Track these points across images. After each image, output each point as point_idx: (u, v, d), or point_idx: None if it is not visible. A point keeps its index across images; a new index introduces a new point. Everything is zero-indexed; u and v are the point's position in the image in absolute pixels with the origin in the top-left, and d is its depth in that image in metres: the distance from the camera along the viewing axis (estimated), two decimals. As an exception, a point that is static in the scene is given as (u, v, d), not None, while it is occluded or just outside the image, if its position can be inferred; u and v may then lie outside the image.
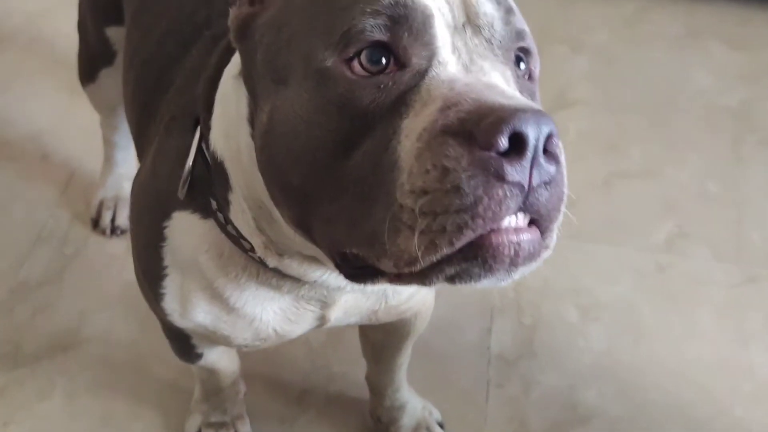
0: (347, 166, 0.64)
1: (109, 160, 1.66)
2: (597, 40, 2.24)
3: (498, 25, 0.69)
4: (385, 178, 0.62)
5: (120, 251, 1.63)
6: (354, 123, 0.64)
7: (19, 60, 2.04)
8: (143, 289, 1.01)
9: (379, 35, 0.65)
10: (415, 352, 1.32)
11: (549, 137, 0.60)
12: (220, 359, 1.20)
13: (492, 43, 0.69)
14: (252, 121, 0.75)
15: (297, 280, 0.87)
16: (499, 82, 0.66)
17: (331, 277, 0.85)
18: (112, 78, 1.42)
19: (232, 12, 0.77)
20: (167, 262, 0.92)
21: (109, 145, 1.64)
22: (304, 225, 0.71)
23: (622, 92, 2.09)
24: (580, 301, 1.63)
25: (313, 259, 0.82)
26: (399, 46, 0.65)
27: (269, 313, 0.93)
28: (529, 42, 0.74)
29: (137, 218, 0.98)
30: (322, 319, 0.96)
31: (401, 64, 0.65)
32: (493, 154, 0.58)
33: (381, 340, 1.26)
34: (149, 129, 1.03)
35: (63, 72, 1.95)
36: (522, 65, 0.73)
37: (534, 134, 0.58)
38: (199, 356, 1.14)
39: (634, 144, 1.96)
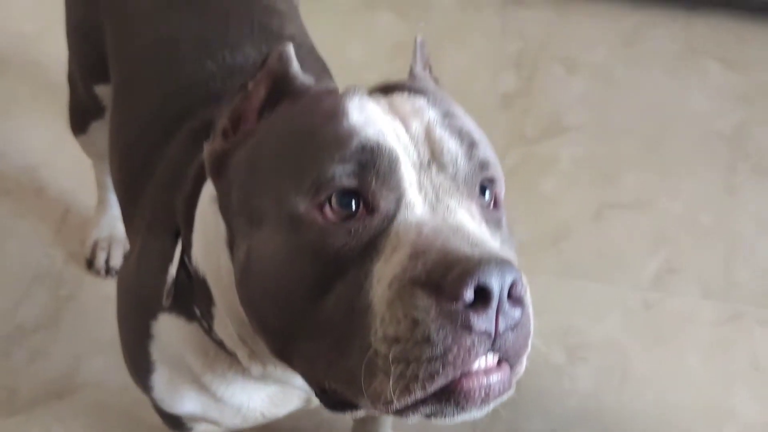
0: (322, 308, 0.67)
1: (102, 202, 1.68)
2: (594, 58, 2.24)
3: (461, 161, 0.71)
4: (359, 321, 0.65)
5: (114, 293, 1.65)
6: (327, 267, 0.67)
7: (13, 86, 2.05)
8: (132, 377, 1.04)
9: (348, 182, 0.67)
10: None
11: (513, 284, 0.62)
12: (210, 429, 1.23)
13: (456, 180, 0.71)
14: (230, 245, 0.77)
15: (281, 381, 0.89)
16: (465, 221, 0.68)
17: None
18: (102, 130, 1.44)
19: (207, 148, 0.78)
20: (155, 357, 0.95)
21: (102, 187, 1.66)
22: (284, 357, 0.74)
23: (617, 116, 2.09)
24: (567, 341, 1.65)
25: None
26: (368, 192, 0.68)
27: (256, 401, 0.96)
28: (493, 171, 0.75)
29: (124, 315, 1.01)
30: (308, 401, 0.99)
31: (370, 208, 0.68)
32: (459, 306, 0.61)
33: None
34: (133, 214, 1.06)
35: (57, 100, 1.95)
36: (487, 193, 0.74)
37: (498, 285, 0.61)
38: (190, 429, 1.17)
39: (628, 172, 1.97)
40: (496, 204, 0.76)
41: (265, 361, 0.85)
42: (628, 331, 1.67)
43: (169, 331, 0.92)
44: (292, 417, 1.50)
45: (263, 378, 0.90)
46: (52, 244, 1.72)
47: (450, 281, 0.61)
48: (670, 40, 2.28)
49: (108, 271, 1.67)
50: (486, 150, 0.75)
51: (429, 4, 2.36)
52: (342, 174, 0.67)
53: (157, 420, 1.47)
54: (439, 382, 0.62)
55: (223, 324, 0.85)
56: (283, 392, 0.96)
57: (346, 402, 0.71)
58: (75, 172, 1.82)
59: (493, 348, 0.63)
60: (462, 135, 0.73)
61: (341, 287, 0.66)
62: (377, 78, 2.22)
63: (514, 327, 0.64)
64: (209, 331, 0.87)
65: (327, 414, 1.50)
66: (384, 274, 0.64)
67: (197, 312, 0.87)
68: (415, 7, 2.34)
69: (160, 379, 0.96)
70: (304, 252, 0.67)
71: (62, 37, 2.13)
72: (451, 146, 0.71)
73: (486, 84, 2.15)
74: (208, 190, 0.83)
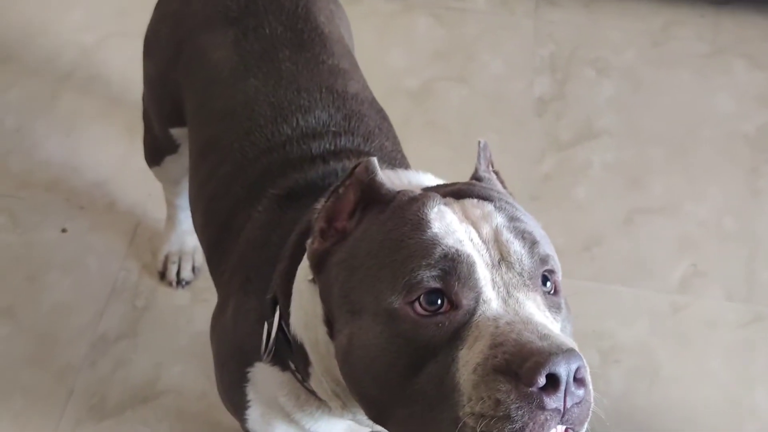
0: (415, 383, 0.81)
1: (171, 219, 1.83)
2: (624, 61, 2.33)
3: (526, 260, 0.85)
4: (447, 397, 0.79)
5: (186, 302, 1.81)
6: (419, 352, 0.81)
7: (77, 100, 2.18)
8: (228, 410, 1.19)
9: (434, 284, 0.81)
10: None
11: (577, 369, 0.76)
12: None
13: (523, 275, 0.85)
14: (328, 322, 0.91)
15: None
16: (532, 311, 0.82)
17: None
18: (176, 162, 1.58)
19: (309, 248, 0.92)
20: (250, 397, 1.10)
21: (171, 206, 1.80)
22: (379, 421, 0.88)
23: (645, 120, 2.20)
24: (601, 345, 1.80)
25: None
26: (451, 292, 0.82)
27: (338, 430, 1.12)
28: (552, 263, 0.89)
29: (222, 363, 1.15)
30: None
31: (454, 305, 0.82)
32: (534, 389, 0.74)
33: None
34: (221, 266, 1.20)
35: (121, 114, 2.10)
36: (548, 284, 0.89)
37: (565, 371, 0.74)
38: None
39: (656, 177, 2.09)
40: (555, 291, 0.90)
41: (355, 412, 1.00)
42: (657, 334, 1.81)
43: (265, 377, 1.07)
44: None
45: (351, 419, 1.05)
46: (127, 257, 1.88)
47: (526, 370, 0.74)
48: (697, 39, 2.38)
49: (179, 282, 1.83)
50: (545, 247, 0.89)
51: (463, 7, 2.45)
52: (429, 278, 0.81)
53: (233, 423, 1.65)
54: None
55: (318, 381, 0.99)
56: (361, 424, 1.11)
57: None
58: (143, 185, 1.95)
59: (562, 421, 0.76)
60: (525, 236, 0.87)
61: (432, 367, 0.80)
62: (418, 83, 2.37)
63: (579, 403, 0.77)
64: (303, 382, 1.02)
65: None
66: (469, 360, 0.78)
67: (292, 366, 1.02)
68: (451, 10, 2.43)
69: (254, 414, 1.12)
70: (400, 339, 0.82)
71: (122, 48, 2.27)
72: (517, 247, 0.85)
73: (521, 89, 2.25)
74: (304, 269, 0.97)
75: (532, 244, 0.87)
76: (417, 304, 0.81)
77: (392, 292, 0.82)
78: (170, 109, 1.44)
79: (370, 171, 0.90)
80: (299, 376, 1.02)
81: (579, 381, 0.76)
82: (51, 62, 2.26)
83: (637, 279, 1.91)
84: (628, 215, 2.02)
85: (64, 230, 1.92)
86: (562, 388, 0.74)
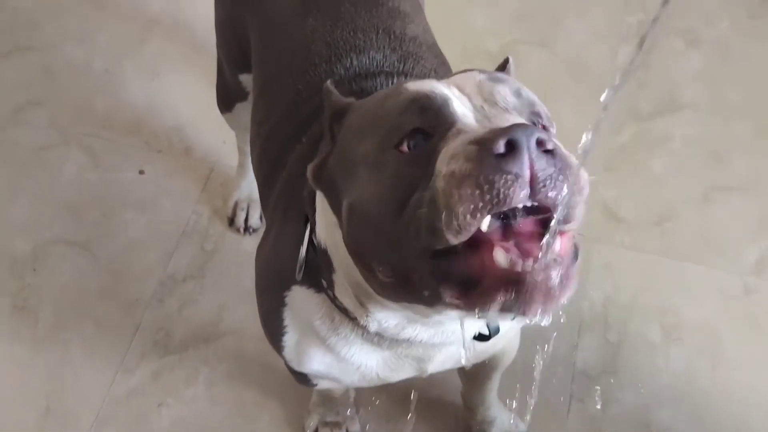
0: (406, 211, 0.81)
1: (242, 166, 1.87)
2: (715, 33, 2.25)
3: (510, 99, 0.86)
4: (430, 193, 0.79)
5: (252, 248, 1.81)
6: (405, 184, 0.82)
7: (163, 46, 2.23)
8: (267, 338, 1.22)
9: (414, 123, 0.83)
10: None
11: (539, 140, 0.75)
12: (331, 385, 1.42)
13: (507, 110, 0.85)
14: (340, 226, 0.93)
15: (395, 340, 1.06)
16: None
17: (421, 333, 1.03)
18: (246, 109, 1.61)
19: (310, 168, 0.96)
20: (287, 322, 1.14)
21: (242, 153, 1.84)
22: (393, 272, 0.86)
23: (733, 94, 2.12)
24: (665, 321, 1.76)
25: (406, 322, 1.00)
26: (428, 126, 0.83)
27: (373, 362, 1.13)
28: (540, 108, 0.89)
29: (262, 288, 1.20)
30: (420, 370, 1.16)
31: (433, 135, 0.83)
32: (495, 155, 0.75)
33: (472, 369, 1.46)
34: (269, 196, 1.24)
35: (202, 61, 2.14)
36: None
37: (525, 137, 0.74)
38: (315, 384, 1.37)
39: (739, 154, 2.01)
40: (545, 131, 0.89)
41: (380, 318, 1.01)
42: (725, 316, 1.76)
43: (301, 299, 1.10)
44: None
45: (380, 340, 1.05)
46: (199, 201, 1.93)
47: (488, 139, 0.75)
48: (797, 14, 2.26)
49: (246, 229, 1.87)
50: (532, 95, 0.89)
51: (553, -30, 2.39)
52: (406, 120, 0.83)
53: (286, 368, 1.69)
54: (489, 209, 0.74)
55: (343, 288, 1.01)
56: (396, 358, 1.12)
57: (444, 272, 0.81)
58: (218, 131, 1.99)
59: (533, 194, 0.75)
60: (510, 84, 0.87)
61: (417, 193, 0.81)
62: (498, 45, 2.34)
63: (553, 175, 0.75)
64: (334, 299, 1.04)
65: (438, 373, 1.68)
66: (445, 155, 0.79)
67: (324, 284, 1.04)
68: (538, -27, 2.38)
69: (290, 340, 1.14)
70: (390, 179, 0.83)
71: (207, -3, 2.29)
72: (500, 89, 0.86)
73: (604, 56, 2.20)
74: None
75: (518, 89, 0.87)
76: (403, 146, 0.83)
77: (378, 145, 0.85)
78: (237, 54, 1.47)
79: (326, 91, 0.97)
80: (330, 294, 1.04)
81: (548, 153, 0.75)
82: (140, 7, 2.32)
83: (710, 257, 1.85)
84: (706, 192, 1.96)
85: (141, 172, 1.98)
86: (523, 151, 0.74)
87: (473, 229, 0.75)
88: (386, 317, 1.00)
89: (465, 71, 0.93)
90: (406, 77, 1.19)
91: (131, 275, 1.82)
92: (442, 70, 1.28)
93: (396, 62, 1.21)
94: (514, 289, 0.75)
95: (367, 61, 1.21)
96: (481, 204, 0.74)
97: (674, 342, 1.74)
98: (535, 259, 0.76)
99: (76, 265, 1.84)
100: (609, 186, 1.94)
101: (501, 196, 0.74)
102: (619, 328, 1.75)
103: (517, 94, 0.86)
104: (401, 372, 1.16)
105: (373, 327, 1.03)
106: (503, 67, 1.02)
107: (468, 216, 0.74)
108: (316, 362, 1.14)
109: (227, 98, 1.65)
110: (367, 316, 1.01)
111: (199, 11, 2.25)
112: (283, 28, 1.30)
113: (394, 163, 0.83)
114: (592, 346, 1.73)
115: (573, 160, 0.78)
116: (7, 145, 2.04)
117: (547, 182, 0.75)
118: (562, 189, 0.76)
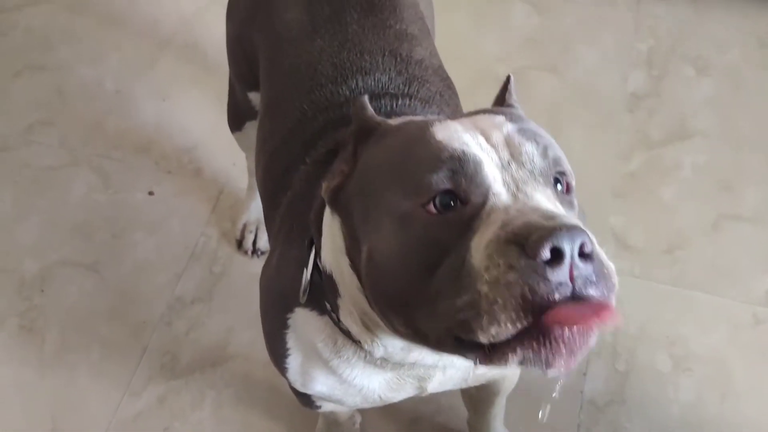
0: (435, 279, 0.82)
1: (252, 188, 1.87)
2: (726, 60, 2.25)
3: (537, 159, 0.87)
4: (464, 282, 0.79)
5: (259, 272, 1.85)
6: (434, 250, 0.83)
7: (174, 67, 2.24)
8: (271, 360, 1.22)
9: (444, 185, 0.83)
10: (512, 390, 1.49)
11: (582, 245, 0.76)
12: (335, 407, 1.42)
13: (534, 173, 0.86)
14: (349, 254, 0.94)
15: (399, 363, 1.06)
16: (542, 202, 0.83)
17: (427, 358, 1.04)
18: (255, 129, 1.61)
19: (325, 185, 0.96)
20: (290, 345, 1.14)
21: (252, 175, 1.84)
22: (408, 324, 0.88)
23: (744, 123, 2.12)
24: (674, 351, 1.75)
25: (412, 346, 1.00)
26: (460, 190, 0.83)
27: (375, 383, 1.14)
28: (564, 166, 0.90)
29: (266, 309, 1.20)
30: (420, 389, 1.16)
31: (464, 202, 0.83)
32: (539, 261, 0.75)
33: (475, 394, 1.46)
34: (274, 216, 1.24)
35: (214, 83, 2.15)
36: (559, 185, 0.89)
37: (569, 245, 0.75)
38: (319, 406, 1.37)
39: (750, 184, 2.01)
40: (568, 191, 0.90)
41: (386, 344, 1.02)
42: (734, 346, 1.75)
43: (304, 322, 1.10)
44: (411, 401, 1.68)
45: (383, 362, 1.06)
46: (208, 223, 1.93)
47: (530, 243, 0.75)
48: (808, 43, 2.26)
49: (254, 251, 1.87)
50: (557, 150, 0.90)
51: (564, -5, 2.40)
52: (438, 179, 0.83)
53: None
54: (530, 317, 0.75)
55: (348, 312, 1.01)
56: (398, 379, 1.13)
57: (462, 344, 0.83)
58: (229, 153, 2.00)
59: (573, 297, 0.76)
60: (537, 139, 0.88)
61: (447, 263, 0.81)
62: (508, 71, 2.36)
63: (591, 278, 0.76)
64: (337, 322, 1.04)
65: (444, 401, 1.68)
66: (481, 242, 0.79)
67: (327, 306, 1.04)
68: (550, -1, 2.39)
69: (294, 362, 1.15)
70: (415, 240, 0.83)
71: (220, 17, 2.31)
72: (528, 148, 0.87)
73: (615, 82, 2.20)
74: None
75: (544, 146, 0.88)
76: (430, 206, 0.83)
77: (404, 198, 0.84)
78: (247, 72, 1.48)
79: (360, 107, 0.95)
80: (334, 317, 1.04)
81: (587, 257, 0.76)
82: (152, 29, 2.33)
83: (719, 287, 1.84)
84: (716, 221, 1.95)
85: (151, 193, 1.99)
86: (566, 261, 0.75)
87: (510, 334, 0.76)
88: (393, 343, 1.01)
89: (489, 112, 0.94)
90: (410, 99, 1.20)
91: (139, 297, 1.82)
92: (447, 94, 1.29)
93: (401, 85, 1.22)
94: (537, 346, 0.76)
95: (373, 83, 1.22)
96: (522, 313, 0.75)
97: (683, 372, 1.72)
98: (567, 363, 0.76)
99: (84, 287, 1.84)
100: (618, 214, 1.94)
101: (544, 303, 0.74)
102: (628, 357, 1.75)
103: (544, 153, 0.87)
104: (402, 392, 1.16)
105: (378, 353, 1.03)
106: (505, 86, 1.03)
107: (509, 324, 0.75)
108: (319, 384, 1.15)
109: (238, 117, 1.66)
110: (372, 341, 1.02)
111: (210, 33, 2.27)
112: (290, 47, 1.31)
113: (422, 224, 0.83)
114: (600, 375, 1.72)
115: (606, 258, 0.79)
116: (18, 164, 2.05)
117: (585, 284, 0.76)
118: (598, 289, 0.77)
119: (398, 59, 1.25)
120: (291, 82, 1.28)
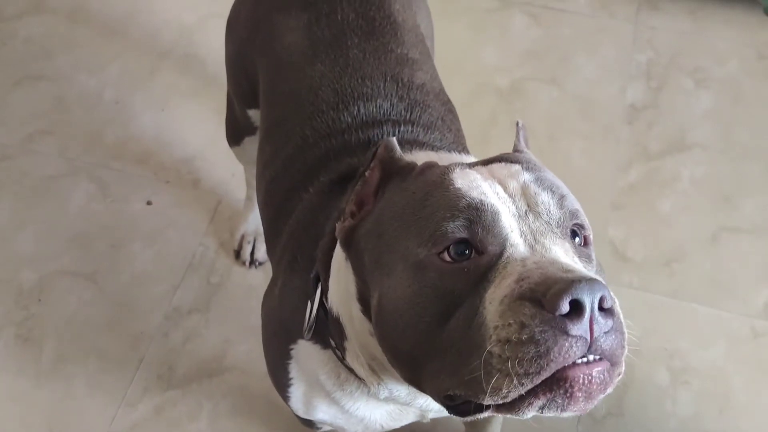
0: (445, 332, 0.82)
1: (250, 199, 1.87)
2: (725, 72, 2.25)
3: (554, 210, 0.86)
4: (476, 335, 0.79)
5: (258, 282, 1.85)
6: (447, 299, 0.82)
7: (173, 78, 2.25)
8: (275, 388, 1.22)
9: (460, 234, 0.83)
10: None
11: (602, 299, 0.75)
12: (337, 428, 1.41)
13: (551, 224, 0.85)
14: (361, 299, 0.93)
15: (404, 403, 1.06)
16: (560, 256, 0.82)
17: (432, 404, 1.03)
18: (254, 144, 1.61)
19: (338, 226, 0.95)
20: (293, 375, 1.14)
21: (250, 187, 1.84)
22: (414, 379, 0.89)
23: (743, 135, 2.12)
24: (672, 364, 1.74)
25: (417, 392, 0.99)
26: (477, 240, 0.83)
27: (377, 415, 1.14)
28: (581, 218, 0.90)
29: (268, 338, 1.19)
30: (422, 417, 1.16)
31: (480, 252, 0.82)
32: (557, 316, 0.74)
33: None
34: (275, 242, 1.23)
35: (212, 94, 2.15)
36: (577, 238, 0.89)
37: (589, 298, 0.74)
38: (320, 428, 1.36)
39: (749, 196, 2.01)
40: (586, 244, 0.90)
41: (391, 388, 1.02)
42: (733, 359, 1.75)
43: (307, 354, 1.09)
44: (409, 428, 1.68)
45: (387, 400, 1.06)
46: (206, 233, 1.93)
47: (549, 296, 0.74)
48: (807, 55, 2.27)
49: (252, 262, 1.87)
50: (574, 202, 0.89)
51: (563, 8, 2.40)
52: (454, 228, 0.82)
53: (292, 406, 1.68)
54: (544, 375, 0.75)
55: (355, 355, 1.01)
56: (400, 409, 1.13)
57: (470, 406, 0.84)
58: (227, 164, 2.00)
59: (590, 351, 0.75)
60: (553, 190, 0.88)
61: (460, 314, 0.81)
62: (508, 82, 2.36)
63: (609, 332, 0.76)
64: (342, 359, 1.03)
65: (441, 428, 1.67)
66: (495, 296, 0.79)
67: (332, 342, 1.04)
68: (549, 10, 2.39)
69: (296, 392, 1.15)
70: (428, 289, 0.83)
71: (220, 29, 2.31)
72: (545, 198, 0.86)
73: (613, 94, 2.20)
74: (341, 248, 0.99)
75: (561, 197, 0.88)
76: (445, 254, 0.82)
77: (419, 245, 0.84)
78: (246, 89, 1.48)
79: (389, 149, 0.94)
80: (339, 354, 1.03)
81: (606, 311, 0.76)
82: (152, 40, 2.34)
83: (718, 300, 1.84)
84: (715, 233, 1.95)
85: (149, 203, 1.99)
86: (586, 315, 0.74)
87: (525, 390, 0.76)
88: (398, 388, 1.01)
89: (505, 160, 0.93)
90: (413, 126, 1.19)
91: (137, 308, 1.82)
92: (449, 118, 1.28)
93: (403, 111, 1.21)
94: (554, 393, 0.76)
95: (375, 110, 1.20)
96: (535, 371, 0.74)
97: (682, 385, 1.72)
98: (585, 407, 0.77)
99: (81, 297, 1.83)
100: (617, 225, 1.93)
101: (561, 360, 0.74)
102: (626, 369, 1.73)
103: (560, 204, 0.86)
104: (404, 420, 1.17)
105: (383, 395, 1.03)
106: (516, 133, 1.03)
107: (524, 381, 0.75)
108: (322, 412, 1.15)
109: (236, 132, 1.66)
110: (378, 384, 1.02)
111: (209, 45, 2.28)
112: (291, 71, 1.30)
113: (436, 273, 0.82)
114: (598, 387, 1.71)
115: (619, 310, 0.78)
116: (17, 173, 2.05)
117: (603, 338, 0.75)
118: (617, 346, 0.76)
119: (400, 84, 1.24)
120: (291, 106, 1.27)
